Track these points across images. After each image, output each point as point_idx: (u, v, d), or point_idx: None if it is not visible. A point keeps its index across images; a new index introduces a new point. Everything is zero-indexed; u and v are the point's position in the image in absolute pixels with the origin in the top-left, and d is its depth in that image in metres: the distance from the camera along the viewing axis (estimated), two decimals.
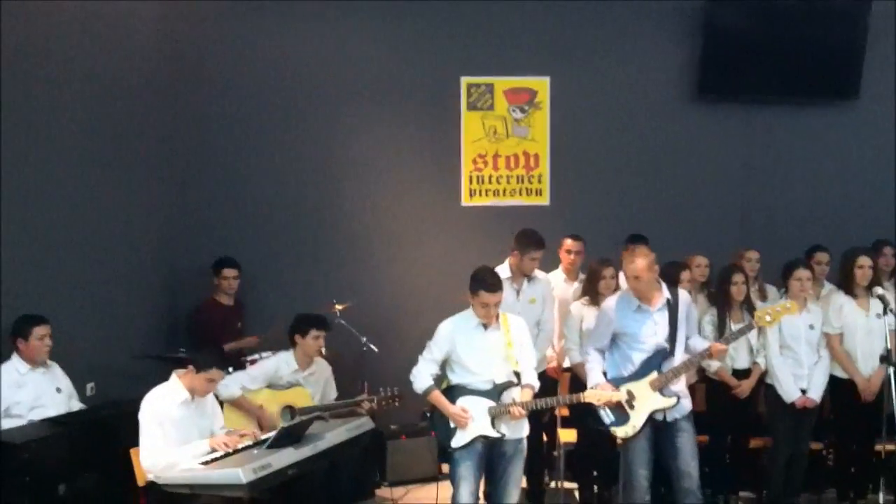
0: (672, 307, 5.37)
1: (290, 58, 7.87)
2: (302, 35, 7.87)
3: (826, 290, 6.89)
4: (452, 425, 5.21)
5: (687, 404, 5.44)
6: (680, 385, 5.41)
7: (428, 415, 6.86)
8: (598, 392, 5.20)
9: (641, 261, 5.26)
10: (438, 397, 5.26)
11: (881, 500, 5.52)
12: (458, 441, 5.19)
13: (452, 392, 5.27)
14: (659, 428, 5.36)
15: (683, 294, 5.54)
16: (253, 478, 4.48)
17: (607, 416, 5.35)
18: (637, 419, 5.29)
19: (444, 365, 5.36)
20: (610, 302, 5.55)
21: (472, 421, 5.16)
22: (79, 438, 5.07)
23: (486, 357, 5.22)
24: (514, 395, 5.22)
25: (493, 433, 5.16)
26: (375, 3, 7.83)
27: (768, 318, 5.37)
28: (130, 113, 6.91)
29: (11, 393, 5.21)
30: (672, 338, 5.34)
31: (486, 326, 5.24)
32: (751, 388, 6.24)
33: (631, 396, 5.30)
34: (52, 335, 5.38)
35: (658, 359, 5.31)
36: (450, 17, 7.93)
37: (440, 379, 5.38)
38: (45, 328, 5.34)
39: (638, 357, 5.34)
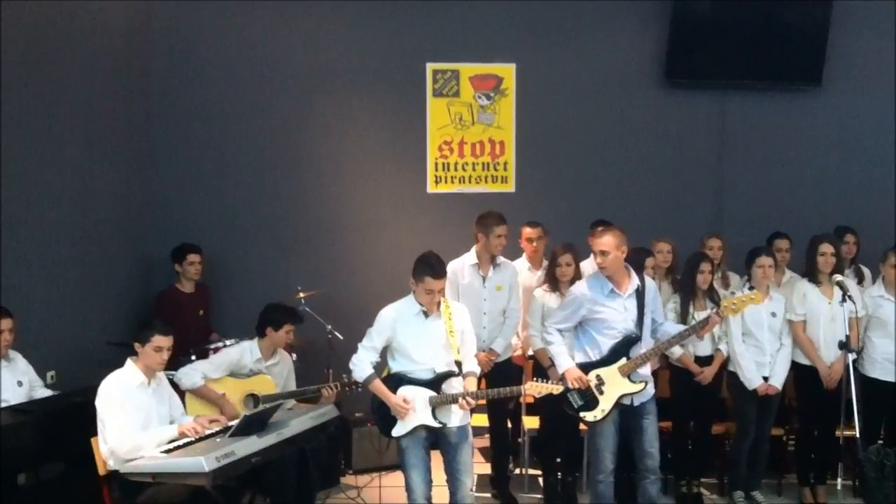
0: (640, 294, 5.41)
1: (258, 45, 7.83)
2: (269, 23, 7.82)
3: (787, 277, 6.96)
4: (393, 414, 5.18)
5: (651, 388, 5.52)
6: (645, 370, 5.47)
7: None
8: (538, 385, 5.18)
9: (609, 237, 5.30)
10: (379, 386, 5.18)
11: (839, 485, 5.59)
12: (398, 430, 5.16)
13: (393, 380, 5.22)
14: (626, 412, 5.42)
15: (649, 281, 5.60)
16: (216, 466, 4.44)
17: (576, 401, 5.39)
18: (605, 403, 5.35)
19: (385, 352, 5.31)
20: (581, 286, 5.56)
21: (413, 411, 5.12)
22: (42, 427, 5.00)
23: (428, 346, 5.18)
24: (456, 385, 5.20)
25: (433, 423, 5.12)
26: None
27: (733, 307, 5.41)
28: (99, 98, 6.81)
29: None
30: (640, 323, 5.39)
31: (427, 314, 5.19)
32: (713, 375, 6.29)
33: (600, 381, 5.35)
34: (14, 324, 5.30)
35: (627, 344, 5.35)
36: (415, 2, 7.89)
37: (381, 366, 5.34)
38: (6, 322, 5.25)
39: (607, 343, 5.38)
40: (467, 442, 5.29)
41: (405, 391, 5.15)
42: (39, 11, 5.96)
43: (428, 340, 5.18)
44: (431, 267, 5.09)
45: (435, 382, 5.16)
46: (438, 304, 5.21)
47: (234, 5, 7.74)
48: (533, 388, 5.21)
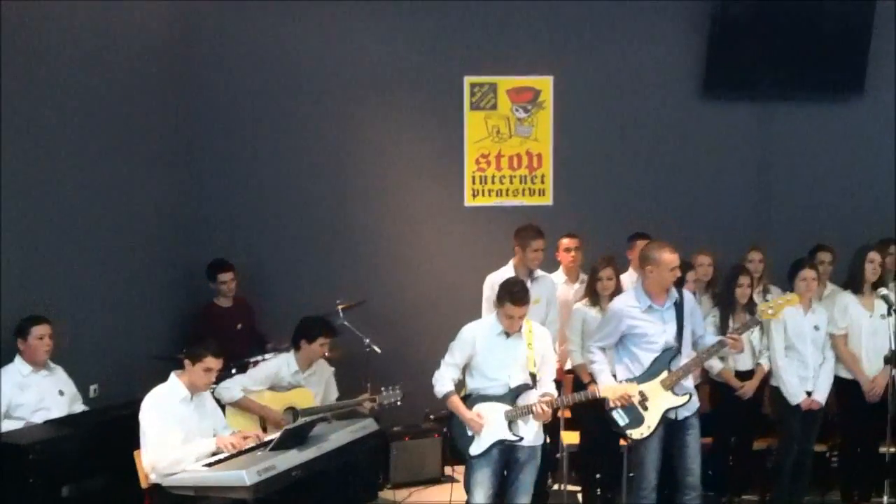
0: (679, 306, 5.39)
1: (295, 57, 7.88)
2: (307, 34, 7.88)
3: (829, 291, 6.87)
4: (471, 433, 5.21)
5: (696, 401, 5.49)
6: (688, 382, 5.45)
7: (431, 416, 6.89)
8: (613, 386, 5.21)
9: (676, 255, 5.33)
10: (456, 403, 5.26)
11: (885, 502, 5.51)
12: (476, 448, 5.20)
13: (470, 401, 5.27)
14: (669, 426, 5.39)
15: (687, 294, 5.58)
16: (257, 479, 4.48)
17: (622, 418, 5.35)
18: (651, 419, 5.32)
19: (464, 369, 5.37)
20: (619, 301, 5.56)
21: (489, 426, 5.16)
22: (86, 440, 5.05)
23: (504, 364, 5.23)
24: (532, 397, 5.21)
25: (510, 437, 5.16)
26: (379, 2, 7.82)
27: (770, 311, 5.38)
28: (138, 109, 6.88)
29: (14, 395, 5.19)
30: (679, 336, 5.37)
31: (508, 334, 5.24)
32: (754, 390, 6.23)
33: (643, 397, 5.32)
34: (56, 336, 5.36)
35: (667, 357, 5.33)
36: (453, 15, 7.91)
37: (460, 384, 5.39)
38: (44, 328, 5.30)
39: (647, 357, 5.36)
40: (534, 463, 5.32)
41: (480, 408, 5.20)
42: (77, 19, 6.03)
43: (506, 359, 5.24)
44: (512, 294, 5.15)
45: (509, 397, 5.20)
46: (520, 326, 5.26)
47: (272, 17, 7.79)
48: (608, 391, 5.25)
